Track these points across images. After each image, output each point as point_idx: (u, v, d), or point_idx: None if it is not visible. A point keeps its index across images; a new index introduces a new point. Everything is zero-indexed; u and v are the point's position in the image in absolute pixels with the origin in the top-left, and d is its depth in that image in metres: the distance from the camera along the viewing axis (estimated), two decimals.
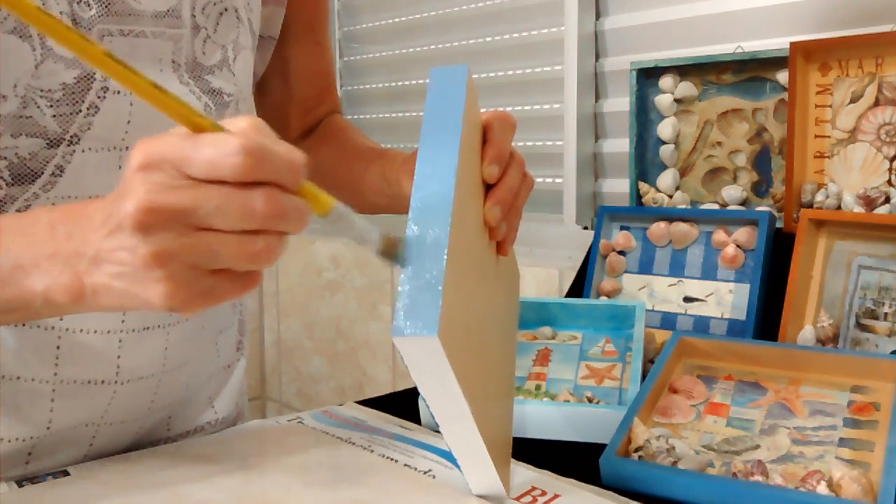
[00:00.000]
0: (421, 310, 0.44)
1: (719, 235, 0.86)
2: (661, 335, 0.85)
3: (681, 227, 0.88)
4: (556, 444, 0.68)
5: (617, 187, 1.20)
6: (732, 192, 0.92)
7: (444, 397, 0.47)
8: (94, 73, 0.58)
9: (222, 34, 0.67)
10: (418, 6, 1.53)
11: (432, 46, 1.52)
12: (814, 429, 0.62)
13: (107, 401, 0.65)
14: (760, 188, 0.92)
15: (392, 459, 0.62)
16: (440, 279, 0.45)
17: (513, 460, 0.60)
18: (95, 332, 0.62)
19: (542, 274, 1.26)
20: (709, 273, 0.86)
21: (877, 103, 0.81)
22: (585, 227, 1.23)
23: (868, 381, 0.65)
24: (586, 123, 1.22)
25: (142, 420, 0.69)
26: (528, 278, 1.27)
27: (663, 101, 0.95)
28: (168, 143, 0.40)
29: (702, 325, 0.85)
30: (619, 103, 1.18)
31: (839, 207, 0.82)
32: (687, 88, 0.94)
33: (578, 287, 0.94)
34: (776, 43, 0.96)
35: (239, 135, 0.39)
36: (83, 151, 0.59)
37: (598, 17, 1.20)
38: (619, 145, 1.18)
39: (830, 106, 0.83)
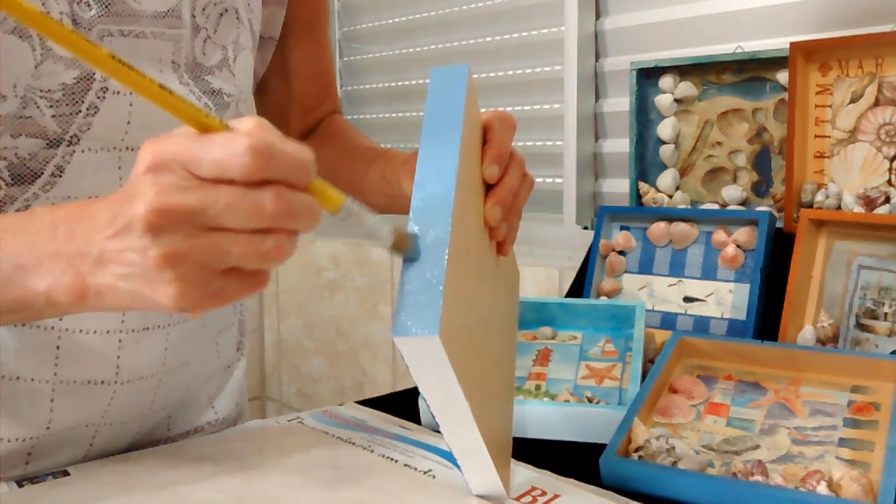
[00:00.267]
0: (421, 310, 0.44)
1: (719, 235, 0.86)
2: (661, 335, 0.85)
3: (681, 227, 0.88)
4: (556, 444, 0.68)
5: (617, 187, 1.20)
6: (732, 192, 0.92)
7: (444, 397, 0.47)
8: (94, 74, 0.58)
9: (222, 35, 0.67)
10: (418, 6, 1.53)
11: (432, 46, 1.52)
12: (814, 429, 0.62)
13: (107, 401, 0.65)
14: (760, 188, 0.92)
15: (392, 459, 0.62)
16: (441, 279, 0.45)
17: (513, 460, 0.60)
18: (95, 332, 0.62)
19: (542, 274, 1.26)
20: (709, 273, 0.86)
21: (877, 103, 0.81)
22: (585, 227, 1.23)
23: (868, 381, 0.65)
24: (586, 123, 1.22)
25: (142, 420, 0.69)
26: (528, 278, 1.27)
27: (663, 101, 0.95)
28: (177, 144, 0.40)
29: (702, 325, 0.85)
30: (619, 103, 1.18)
31: (839, 207, 0.82)
32: (687, 88, 0.94)
33: (578, 287, 0.94)
34: (776, 43, 0.96)
35: (247, 134, 0.39)
36: (83, 152, 0.59)
37: (598, 17, 1.20)
38: (619, 145, 1.18)
39: (830, 106, 0.83)
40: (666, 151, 0.96)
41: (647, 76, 0.96)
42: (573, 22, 1.19)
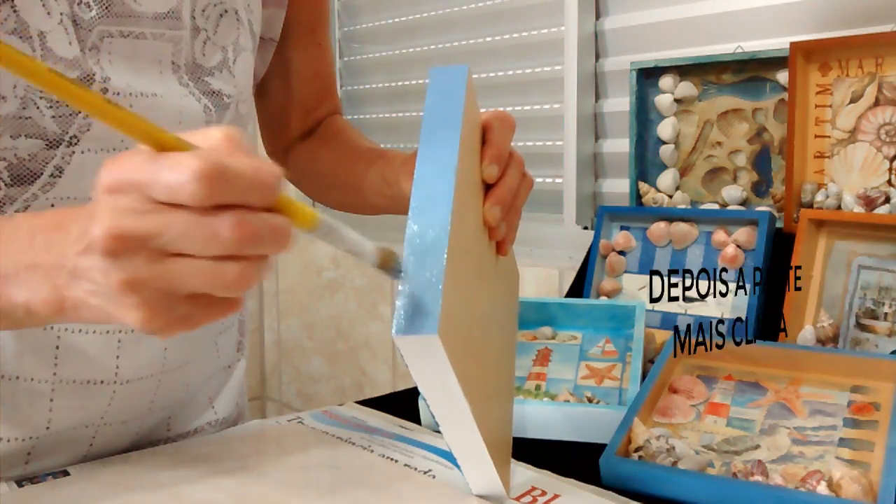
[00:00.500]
0: (421, 309, 0.44)
1: (719, 235, 0.86)
2: (661, 335, 0.85)
3: (681, 227, 0.88)
4: (556, 444, 0.68)
5: (617, 187, 1.20)
6: (732, 192, 0.92)
7: (444, 397, 0.47)
8: (94, 75, 0.58)
9: (222, 36, 0.67)
10: (418, 6, 1.53)
11: (432, 46, 1.52)
12: (814, 429, 0.62)
13: (106, 401, 0.65)
14: (760, 188, 0.92)
15: (392, 459, 0.62)
16: (440, 278, 0.45)
17: (513, 460, 0.60)
18: (94, 332, 0.62)
19: (542, 274, 1.26)
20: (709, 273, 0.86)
21: (877, 103, 0.80)
22: (585, 227, 1.23)
23: (868, 381, 0.65)
24: (586, 123, 1.22)
25: (141, 420, 0.69)
26: (528, 278, 1.27)
27: (663, 101, 0.95)
28: (132, 165, 0.38)
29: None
30: (619, 103, 1.18)
31: (839, 207, 0.82)
32: (687, 88, 0.94)
33: (578, 287, 0.94)
34: (776, 43, 0.96)
35: (197, 157, 0.37)
36: (82, 152, 0.59)
37: (598, 17, 1.20)
38: (619, 145, 1.18)
39: (830, 106, 0.83)
40: (666, 151, 0.96)
41: (647, 76, 0.96)
42: (573, 22, 1.19)
